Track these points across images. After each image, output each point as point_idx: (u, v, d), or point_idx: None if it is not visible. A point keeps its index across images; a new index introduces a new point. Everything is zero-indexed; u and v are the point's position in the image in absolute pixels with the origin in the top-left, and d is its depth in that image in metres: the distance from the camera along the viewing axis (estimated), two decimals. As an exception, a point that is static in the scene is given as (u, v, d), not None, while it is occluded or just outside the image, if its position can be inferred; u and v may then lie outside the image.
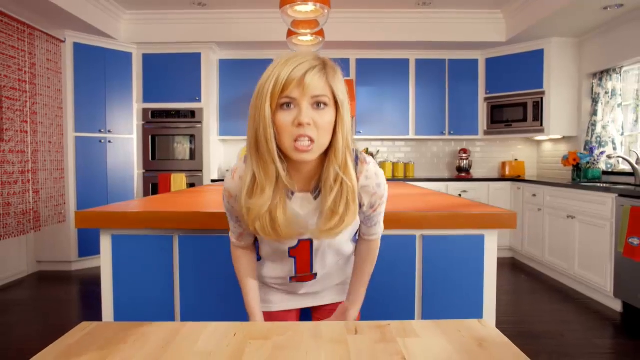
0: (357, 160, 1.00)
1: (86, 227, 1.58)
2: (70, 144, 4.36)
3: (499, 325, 2.92)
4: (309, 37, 3.16)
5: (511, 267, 4.53)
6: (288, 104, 0.88)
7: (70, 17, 3.87)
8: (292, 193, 0.99)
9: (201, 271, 1.58)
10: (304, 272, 1.11)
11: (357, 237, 1.19)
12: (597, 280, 3.37)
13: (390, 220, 1.58)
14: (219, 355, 0.66)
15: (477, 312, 1.63)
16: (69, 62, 4.33)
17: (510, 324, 3.02)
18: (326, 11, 2.47)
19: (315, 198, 0.99)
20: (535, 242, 4.32)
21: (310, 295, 1.22)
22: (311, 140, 0.88)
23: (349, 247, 1.16)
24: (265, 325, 0.79)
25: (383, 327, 0.78)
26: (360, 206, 1.04)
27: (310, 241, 1.03)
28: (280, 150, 0.91)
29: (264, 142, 0.89)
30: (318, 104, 0.89)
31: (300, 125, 0.87)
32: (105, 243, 1.60)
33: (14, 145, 3.60)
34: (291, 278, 1.14)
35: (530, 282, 4.01)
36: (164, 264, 1.59)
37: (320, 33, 3.15)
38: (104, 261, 1.60)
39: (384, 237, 1.60)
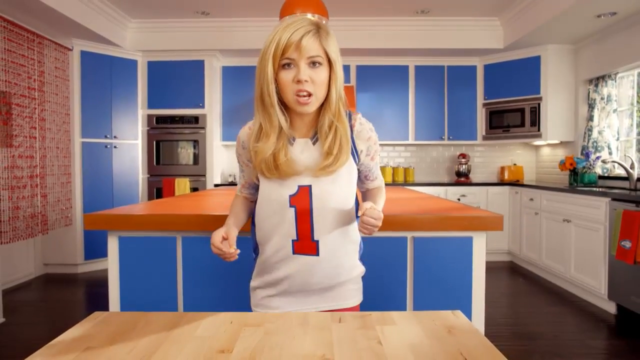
0: (349, 114, 1.18)
1: (94, 228, 1.67)
2: (77, 150, 4.47)
3: (495, 326, 3.01)
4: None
5: (510, 270, 4.60)
6: (288, 64, 1.04)
7: (78, 26, 3.99)
8: (294, 139, 1.14)
9: (203, 271, 1.67)
10: (305, 234, 1.13)
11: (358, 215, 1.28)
12: (592, 282, 3.43)
13: (383, 223, 1.66)
14: (216, 339, 0.74)
15: (466, 310, 1.71)
16: (76, 69, 4.46)
17: (506, 325, 3.08)
18: (324, 21, 2.57)
19: (314, 143, 1.14)
20: (532, 246, 4.39)
21: (311, 295, 1.21)
22: (309, 94, 1.04)
23: (351, 217, 1.19)
24: (259, 315, 0.88)
25: (365, 316, 0.86)
26: (359, 155, 1.19)
27: (310, 189, 1.12)
28: (283, 103, 1.09)
29: (268, 96, 1.06)
30: (314, 63, 1.05)
31: (299, 82, 1.03)
32: (113, 244, 1.69)
33: (23, 151, 3.71)
34: (293, 243, 1.14)
35: (527, 285, 4.07)
36: (167, 264, 1.68)
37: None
38: (111, 261, 1.69)
39: (376, 239, 1.69)
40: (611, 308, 3.28)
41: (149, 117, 4.94)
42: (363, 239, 1.46)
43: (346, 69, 5.17)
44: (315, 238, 1.14)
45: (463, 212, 1.75)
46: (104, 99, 4.66)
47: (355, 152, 1.18)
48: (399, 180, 5.34)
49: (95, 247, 4.56)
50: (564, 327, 3.02)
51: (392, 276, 1.71)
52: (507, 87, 4.98)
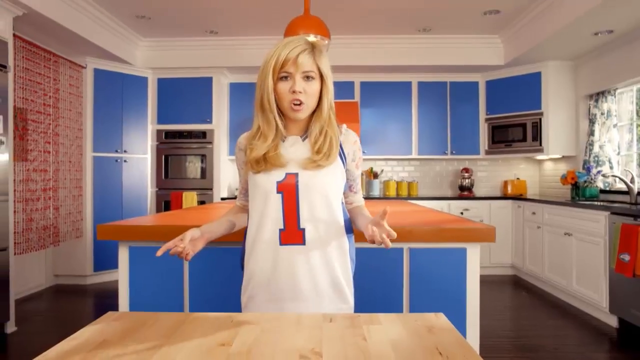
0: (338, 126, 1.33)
1: (106, 239, 1.77)
2: (89, 163, 4.61)
3: (497, 338, 3.05)
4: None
5: (513, 284, 4.61)
6: (286, 77, 1.20)
7: (92, 45, 4.16)
8: (286, 137, 1.29)
9: (207, 279, 1.75)
10: (292, 221, 1.21)
11: (346, 208, 1.38)
12: (594, 296, 3.45)
13: (380, 234, 1.74)
14: (217, 335, 0.83)
15: (461, 319, 1.76)
16: (89, 86, 4.62)
17: (508, 337, 3.11)
18: (326, 41, 2.69)
19: (303, 140, 1.28)
20: (535, 259, 4.41)
21: (301, 301, 1.25)
22: (301, 103, 1.20)
23: (338, 207, 1.27)
24: (257, 315, 0.96)
25: (354, 318, 0.94)
26: (346, 157, 1.31)
27: (296, 176, 1.22)
28: (279, 110, 1.24)
29: (267, 103, 1.22)
30: (307, 77, 1.20)
31: (294, 92, 1.18)
32: (123, 253, 1.78)
33: (37, 165, 3.85)
34: (281, 233, 1.22)
35: (530, 298, 4.09)
36: (174, 273, 1.76)
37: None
38: (122, 269, 1.78)
39: (373, 250, 1.76)
40: (613, 321, 3.29)
41: (158, 132, 5.08)
42: (359, 250, 1.53)
43: (350, 85, 5.29)
44: (302, 226, 1.22)
45: (457, 224, 1.83)
46: (115, 115, 4.82)
47: (342, 155, 1.30)
48: (403, 194, 5.40)
49: (104, 259, 4.66)
50: (565, 340, 3.05)
51: (389, 286, 1.78)
52: (509, 102, 5.06)
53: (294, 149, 1.26)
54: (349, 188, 1.39)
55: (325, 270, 1.25)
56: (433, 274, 1.77)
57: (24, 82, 3.68)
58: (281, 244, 1.23)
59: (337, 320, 0.91)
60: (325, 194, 1.24)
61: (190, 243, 1.19)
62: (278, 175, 1.23)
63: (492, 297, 4.14)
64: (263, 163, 1.23)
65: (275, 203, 1.22)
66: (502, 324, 3.39)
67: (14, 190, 3.50)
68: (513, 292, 4.34)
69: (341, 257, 1.28)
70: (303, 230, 1.23)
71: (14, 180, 3.51)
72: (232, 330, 0.85)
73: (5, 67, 3.05)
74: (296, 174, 1.23)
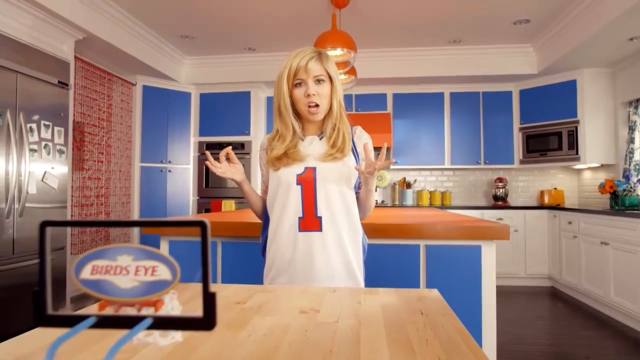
0: (351, 127, 1.48)
1: (149, 232, 1.98)
2: (136, 173, 4.97)
3: (527, 345, 3.04)
4: (342, 77, 3.57)
5: (551, 295, 4.51)
6: (299, 83, 1.36)
7: (142, 64, 4.54)
8: (304, 137, 1.45)
9: (239, 270, 1.92)
10: (310, 209, 1.35)
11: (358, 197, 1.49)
12: (632, 306, 3.35)
13: (397, 231, 1.85)
14: (236, 297, 0.98)
15: (476, 313, 1.83)
16: (138, 102, 5.01)
17: (539, 345, 3.08)
18: (353, 54, 2.85)
19: (320, 139, 1.44)
20: (572, 270, 4.31)
21: (314, 281, 1.35)
22: (317, 105, 1.36)
23: (351, 198, 1.41)
24: (271, 287, 1.10)
25: (356, 290, 1.06)
26: (359, 155, 1.44)
27: (314, 170, 1.37)
28: (297, 113, 1.41)
29: (284, 108, 1.39)
30: (318, 81, 1.36)
31: (308, 96, 1.35)
32: (164, 246, 1.99)
33: (92, 173, 4.22)
34: (300, 221, 1.36)
35: (567, 309, 3.99)
36: (209, 265, 1.94)
37: (352, 72, 3.54)
38: (162, 261, 1.98)
39: (391, 246, 1.87)
40: (652, 333, 3.18)
41: (200, 143, 5.40)
42: (378, 246, 1.64)
43: (383, 97, 5.41)
44: (319, 214, 1.36)
45: (472, 223, 1.90)
46: (161, 128, 5.18)
47: (355, 152, 1.44)
48: (436, 204, 5.41)
49: (149, 262, 4.95)
50: (599, 351, 2.98)
51: (406, 281, 1.87)
52: (544, 111, 5.00)
53: (312, 146, 1.42)
54: (359, 185, 1.47)
55: (340, 254, 1.37)
56: (449, 270, 1.85)
57: (82, 98, 4.07)
58: (300, 230, 1.37)
59: (340, 291, 1.04)
60: (339, 185, 1.39)
61: (227, 164, 1.45)
62: (298, 168, 1.38)
63: (526, 307, 4.08)
64: (284, 158, 1.39)
65: (295, 193, 1.38)
66: (534, 332, 3.35)
67: (71, 196, 3.86)
68: (549, 302, 4.24)
69: (354, 243, 1.41)
70: (320, 218, 1.37)
71: (72, 187, 3.87)
72: (249, 294, 1.00)
73: (67, 85, 3.42)
74: (314, 168, 1.38)
